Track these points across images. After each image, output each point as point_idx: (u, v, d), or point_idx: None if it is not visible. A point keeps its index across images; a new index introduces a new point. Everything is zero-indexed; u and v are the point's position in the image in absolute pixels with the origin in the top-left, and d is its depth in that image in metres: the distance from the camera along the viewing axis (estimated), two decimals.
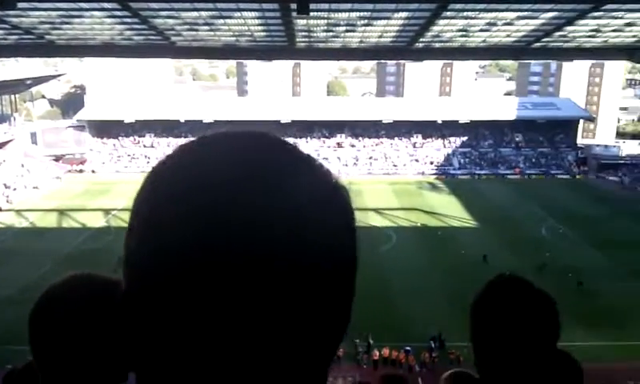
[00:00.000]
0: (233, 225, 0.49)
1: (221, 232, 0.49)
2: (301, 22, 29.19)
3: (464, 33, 32.76)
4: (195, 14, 27.74)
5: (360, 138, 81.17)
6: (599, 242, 46.05)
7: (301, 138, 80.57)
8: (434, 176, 74.16)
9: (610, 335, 31.02)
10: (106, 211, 55.09)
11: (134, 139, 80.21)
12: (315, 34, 33.19)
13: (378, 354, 29.13)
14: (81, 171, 74.54)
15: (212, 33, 32.16)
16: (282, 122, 78.53)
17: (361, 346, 29.57)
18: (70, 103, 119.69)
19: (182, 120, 77.55)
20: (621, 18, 27.19)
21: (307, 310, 0.54)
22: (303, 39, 34.47)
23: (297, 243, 0.53)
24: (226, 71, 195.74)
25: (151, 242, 0.51)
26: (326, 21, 29.76)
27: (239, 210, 0.50)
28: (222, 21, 29.32)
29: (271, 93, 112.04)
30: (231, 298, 0.49)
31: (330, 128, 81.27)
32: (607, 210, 56.43)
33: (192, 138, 0.63)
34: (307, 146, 79.88)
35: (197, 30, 31.45)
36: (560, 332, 1.51)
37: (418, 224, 52.93)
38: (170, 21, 29.33)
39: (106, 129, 78.99)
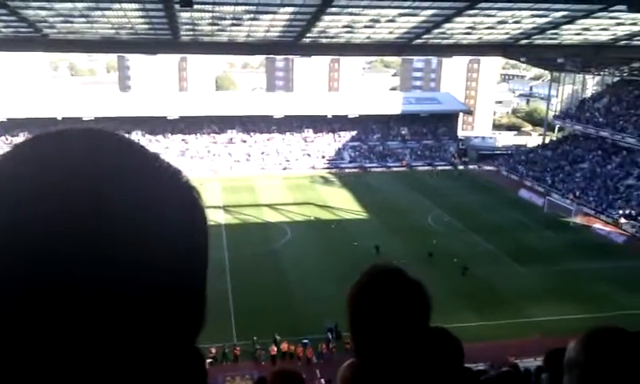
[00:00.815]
0: (57, 245, 0.45)
1: (44, 258, 0.45)
2: (185, 15, 28.30)
3: (349, 29, 33.36)
4: (70, 5, 25.97)
5: (251, 134, 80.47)
6: (480, 228, 48.91)
7: (190, 134, 78.46)
8: (326, 170, 75.20)
9: (493, 315, 32.99)
10: None
11: (6, 139, 74.04)
12: (200, 28, 32.36)
13: (275, 349, 29.07)
14: None
15: (89, 25, 30.32)
16: (168, 118, 76.04)
17: (258, 344, 29.40)
18: None
19: (60, 117, 72.49)
20: (494, 16, 28.84)
21: (150, 325, 0.52)
22: (188, 33, 33.48)
23: (135, 258, 0.50)
24: (106, 66, 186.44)
25: None
26: (210, 14, 29.06)
27: (64, 226, 0.46)
28: (99, 13, 27.70)
29: (156, 88, 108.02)
30: (63, 325, 0.45)
31: (220, 124, 79.77)
32: (486, 198, 60.13)
33: (27, 137, 0.58)
34: (197, 142, 77.98)
35: (72, 22, 29.50)
36: (430, 313, 1.56)
37: (312, 218, 53.42)
38: (43, 12, 27.28)
39: None
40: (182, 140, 77.99)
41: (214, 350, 28.55)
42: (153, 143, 76.17)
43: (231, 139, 79.49)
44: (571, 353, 1.50)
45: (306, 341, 29.65)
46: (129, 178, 0.54)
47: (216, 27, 32.15)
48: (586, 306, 33.56)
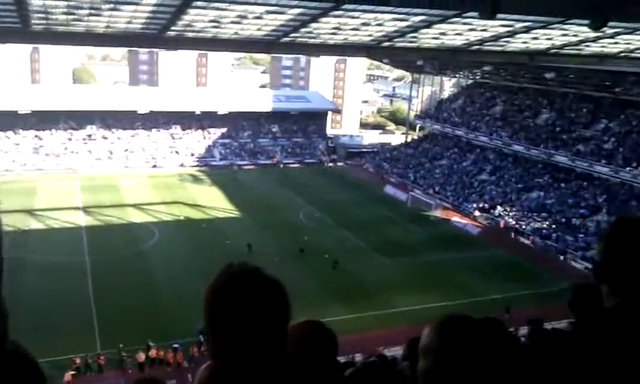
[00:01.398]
0: None
1: None
2: (36, 2, 25.87)
3: (216, 24, 32.56)
4: None
5: (113, 130, 76.06)
6: (349, 223, 50.32)
7: (44, 130, 72.47)
8: (196, 168, 73.20)
9: (362, 307, 33.99)
10: None
11: None
12: (54, 17, 29.78)
13: (143, 355, 27.68)
14: None
15: None
16: (19, 112, 69.66)
17: (125, 351, 27.81)
18: None
19: None
20: (357, 18, 29.57)
21: None
22: (40, 21, 30.73)
23: None
24: None
25: None
26: (66, 2, 26.81)
27: None
28: None
29: (4, 80, 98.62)
30: None
31: (77, 119, 74.41)
32: (355, 194, 62.03)
33: None
34: (52, 138, 72.23)
35: None
36: (289, 311, 1.54)
37: (182, 217, 51.68)
38: None
39: None
40: (36, 136, 71.83)
41: (78, 361, 26.64)
42: (2, 139, 69.43)
43: (90, 136, 74.56)
44: (425, 340, 1.57)
45: (176, 345, 28.61)
46: None
47: (72, 16, 29.76)
48: (447, 294, 35.78)
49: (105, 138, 75.06)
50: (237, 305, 1.48)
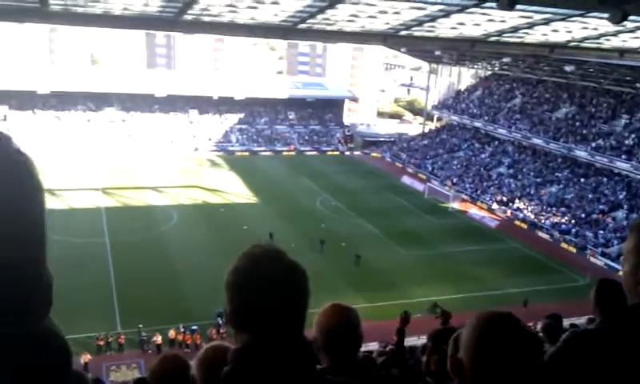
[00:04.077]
0: None
1: None
2: None
3: (232, 8, 32.51)
4: None
5: (131, 112, 76.45)
6: (365, 212, 50.29)
7: (63, 110, 72.97)
8: (213, 153, 73.43)
9: (377, 296, 34.01)
10: None
11: None
12: None
13: (160, 337, 27.96)
14: None
15: None
16: (38, 92, 70.16)
17: (144, 331, 28.14)
18: None
19: None
20: (375, 5, 29.40)
21: None
22: (59, 2, 30.86)
23: None
24: None
25: None
26: None
27: None
28: None
29: (24, 60, 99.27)
30: None
31: (96, 100, 74.87)
32: (371, 183, 61.96)
33: None
34: (71, 119, 72.73)
35: None
36: (308, 293, 1.56)
37: (200, 201, 51.96)
38: None
39: None
40: (55, 117, 72.37)
41: (99, 339, 27.04)
42: (21, 119, 70.04)
43: (109, 118, 74.97)
44: (465, 336, 1.60)
45: (194, 327, 28.88)
46: None
47: None
48: (463, 286, 35.71)
49: (123, 120, 75.47)
50: (258, 285, 1.50)
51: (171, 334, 28.40)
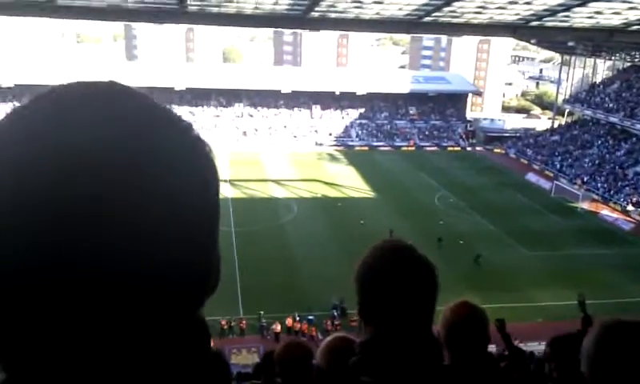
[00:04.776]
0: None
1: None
2: None
3: (358, 4, 32.92)
4: None
5: (259, 108, 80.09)
6: (486, 210, 48.83)
7: (197, 106, 78.13)
8: (333, 147, 74.93)
9: (497, 297, 33.01)
10: None
11: (13, 105, 73.74)
12: None
13: (280, 326, 29.23)
14: None
15: None
16: (175, 88, 75.63)
17: (264, 318, 29.62)
18: None
19: (66, 84, 72.16)
20: None
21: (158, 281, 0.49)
22: (195, 3, 33.13)
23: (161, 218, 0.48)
24: (113, 34, 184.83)
25: None
26: None
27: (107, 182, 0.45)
28: None
29: (163, 58, 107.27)
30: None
31: (226, 96, 79.35)
32: (493, 180, 59.97)
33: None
34: (204, 114, 77.68)
35: None
36: (437, 289, 1.57)
37: (319, 195, 53.41)
38: None
39: None
40: (189, 112, 77.67)
41: (223, 323, 28.84)
42: None
43: (237, 113, 79.16)
44: (585, 343, 1.56)
45: (311, 317, 29.79)
46: (152, 128, 0.55)
47: None
48: (591, 291, 33.21)
49: (251, 115, 79.29)
50: (387, 279, 1.53)
51: (288, 321, 29.56)
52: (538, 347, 18.59)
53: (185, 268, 0.53)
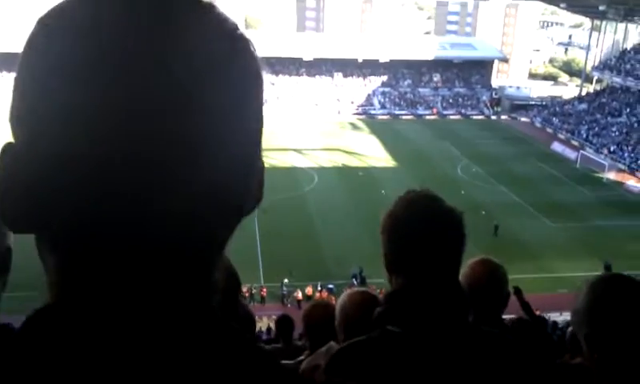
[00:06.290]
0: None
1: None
2: None
3: None
4: None
5: (280, 75, 79.59)
6: (509, 180, 48.24)
7: None
8: (355, 116, 74.35)
9: (519, 268, 32.69)
10: None
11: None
12: None
13: (301, 293, 29.54)
14: None
15: None
16: None
17: (286, 286, 29.95)
18: None
19: None
20: None
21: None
22: None
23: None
24: None
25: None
26: None
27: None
28: None
29: None
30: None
31: None
32: (518, 149, 59.04)
33: None
34: None
35: None
36: (464, 240, 1.54)
37: (340, 164, 53.25)
38: None
39: None
40: None
41: (245, 290, 29.22)
42: None
43: None
44: (577, 300, 1.59)
45: (331, 286, 30.02)
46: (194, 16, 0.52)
47: None
48: (616, 263, 33.12)
49: (272, 83, 78.84)
50: (414, 228, 1.51)
51: (308, 290, 29.87)
52: (559, 318, 18.49)
53: (241, 180, 0.55)
